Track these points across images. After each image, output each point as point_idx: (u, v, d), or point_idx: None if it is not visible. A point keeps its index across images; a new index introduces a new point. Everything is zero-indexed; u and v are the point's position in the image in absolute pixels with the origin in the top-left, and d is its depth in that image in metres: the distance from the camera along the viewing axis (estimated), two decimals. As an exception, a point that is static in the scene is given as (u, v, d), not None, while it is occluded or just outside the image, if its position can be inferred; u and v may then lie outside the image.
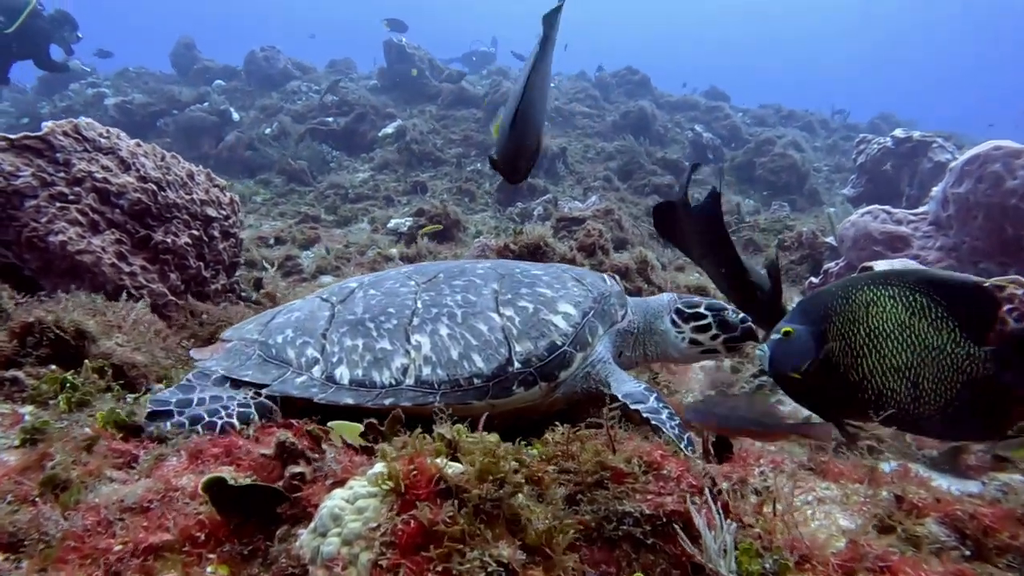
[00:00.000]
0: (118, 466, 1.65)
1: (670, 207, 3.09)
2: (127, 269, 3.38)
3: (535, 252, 4.93)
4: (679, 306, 2.59)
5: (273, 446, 1.63)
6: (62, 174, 3.28)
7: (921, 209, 4.62)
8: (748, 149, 12.97)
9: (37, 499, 1.40)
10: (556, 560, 1.36)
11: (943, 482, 2.44)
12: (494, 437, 1.62)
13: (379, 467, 1.31)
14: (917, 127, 11.68)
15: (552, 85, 16.44)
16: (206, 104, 13.02)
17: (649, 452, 1.75)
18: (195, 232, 3.83)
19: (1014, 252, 3.97)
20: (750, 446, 2.36)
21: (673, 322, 2.58)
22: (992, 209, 3.96)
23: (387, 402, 2.10)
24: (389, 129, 12.41)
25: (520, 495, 1.40)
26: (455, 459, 1.43)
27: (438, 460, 1.34)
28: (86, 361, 2.27)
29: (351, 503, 1.29)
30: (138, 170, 3.57)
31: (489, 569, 1.21)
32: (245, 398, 2.10)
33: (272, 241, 6.93)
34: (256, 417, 2.05)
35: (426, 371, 2.16)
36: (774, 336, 2.34)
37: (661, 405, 2.18)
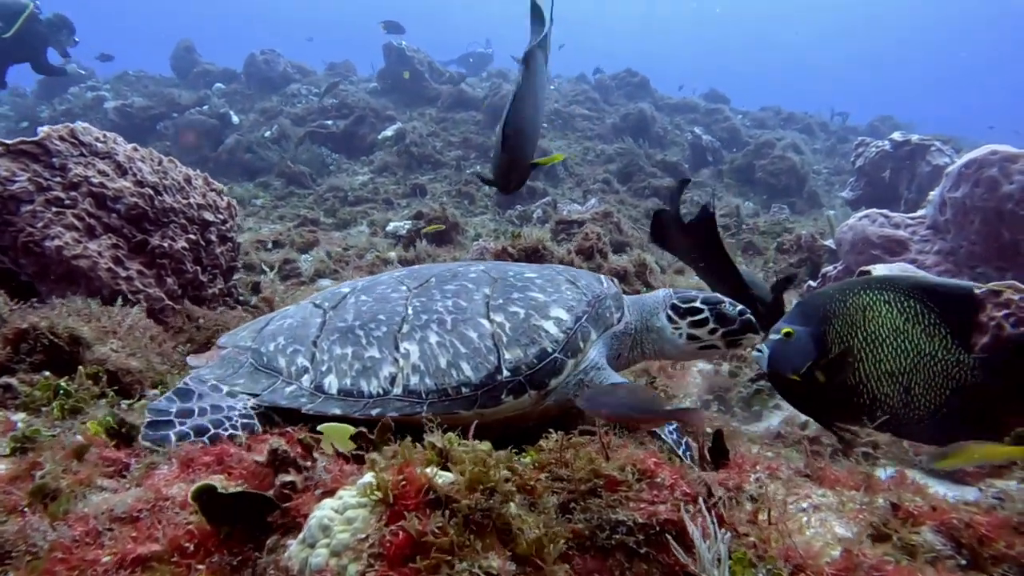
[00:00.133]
0: (109, 475, 1.64)
1: (666, 221, 3.11)
2: (124, 274, 3.38)
3: (533, 255, 4.93)
4: (675, 301, 2.53)
5: (266, 453, 1.63)
6: (58, 179, 3.28)
7: (919, 213, 4.62)
8: (748, 151, 12.97)
9: (26, 509, 1.39)
10: (547, 571, 1.35)
11: (940, 489, 2.43)
12: (486, 446, 1.61)
13: (368, 477, 1.30)
14: (916, 130, 11.69)
15: (552, 87, 16.48)
16: (206, 107, 13.04)
17: (643, 460, 1.74)
18: (192, 236, 3.83)
19: (1011, 257, 3.97)
20: (746, 452, 2.36)
21: (669, 318, 2.51)
22: (989, 213, 3.96)
23: (374, 412, 2.07)
24: (389, 132, 12.42)
25: (511, 504, 1.39)
26: (446, 468, 1.43)
27: (428, 470, 1.33)
28: (80, 367, 2.27)
29: (340, 513, 1.28)
30: (135, 174, 3.57)
31: (478, 580, 1.20)
32: (245, 407, 2.09)
33: (270, 245, 6.92)
34: (259, 428, 2.04)
35: (414, 380, 2.13)
36: (773, 336, 2.32)
37: None
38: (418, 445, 1.55)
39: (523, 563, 1.33)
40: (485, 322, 2.24)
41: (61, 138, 3.35)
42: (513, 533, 1.37)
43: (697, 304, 2.48)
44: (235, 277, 4.57)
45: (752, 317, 2.46)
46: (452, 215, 7.54)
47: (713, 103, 17.18)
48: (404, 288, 2.42)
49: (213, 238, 4.03)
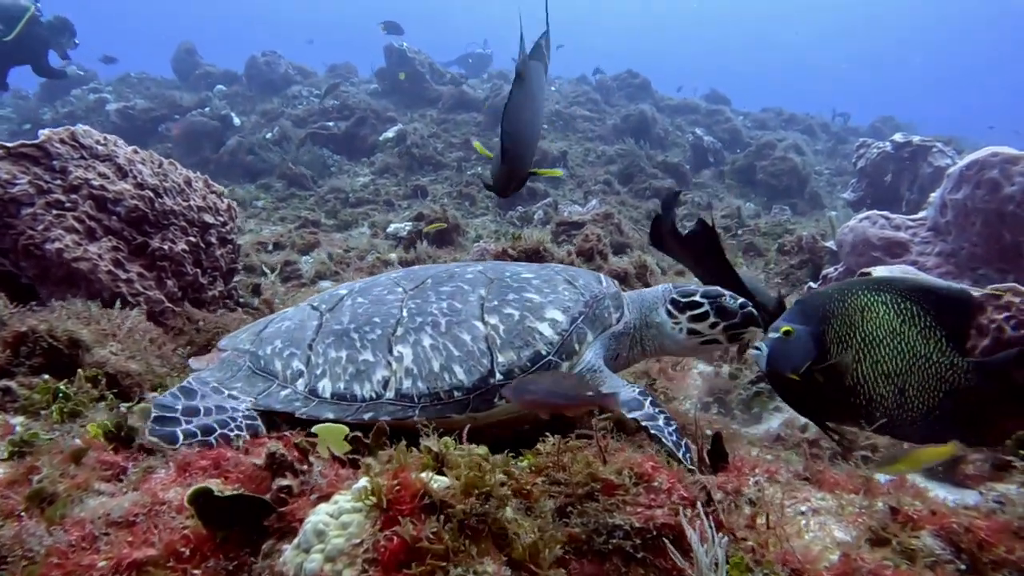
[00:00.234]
0: (106, 479, 1.64)
1: (663, 231, 3.11)
2: (124, 276, 3.38)
3: (533, 257, 4.93)
4: (674, 296, 2.47)
5: (264, 457, 1.63)
6: (59, 181, 3.29)
7: (920, 215, 4.61)
8: (749, 152, 12.96)
9: (23, 514, 1.39)
10: (542, 575, 1.35)
11: (941, 492, 2.42)
12: (482, 450, 1.61)
13: (363, 482, 1.30)
14: (917, 130, 11.67)
15: (553, 89, 16.49)
16: (207, 109, 13.06)
17: (640, 463, 1.73)
18: (192, 239, 3.83)
19: (1012, 259, 3.96)
20: (746, 455, 2.36)
21: (669, 313, 2.46)
22: (990, 215, 3.95)
23: (367, 416, 2.07)
24: (390, 133, 12.43)
25: (507, 509, 1.39)
26: (441, 473, 1.42)
27: (423, 474, 1.33)
28: (79, 370, 2.27)
29: (335, 518, 1.28)
30: (135, 177, 3.58)
31: (474, 586, 1.20)
32: (248, 410, 2.09)
33: (271, 247, 6.93)
34: (263, 429, 2.05)
35: (407, 384, 2.11)
36: (772, 335, 2.29)
37: (657, 410, 2.11)
38: (414, 449, 1.55)
39: (519, 568, 1.33)
40: (479, 324, 2.21)
41: (62, 141, 3.36)
42: (509, 538, 1.37)
43: (697, 298, 2.43)
44: (235, 279, 4.57)
45: (754, 310, 2.42)
46: (453, 216, 7.54)
47: (714, 104, 17.17)
48: (400, 290, 2.41)
49: (213, 240, 4.04)
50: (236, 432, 1.97)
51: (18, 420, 1.96)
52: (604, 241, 5.81)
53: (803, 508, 2.05)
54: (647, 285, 5.17)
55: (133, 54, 17.74)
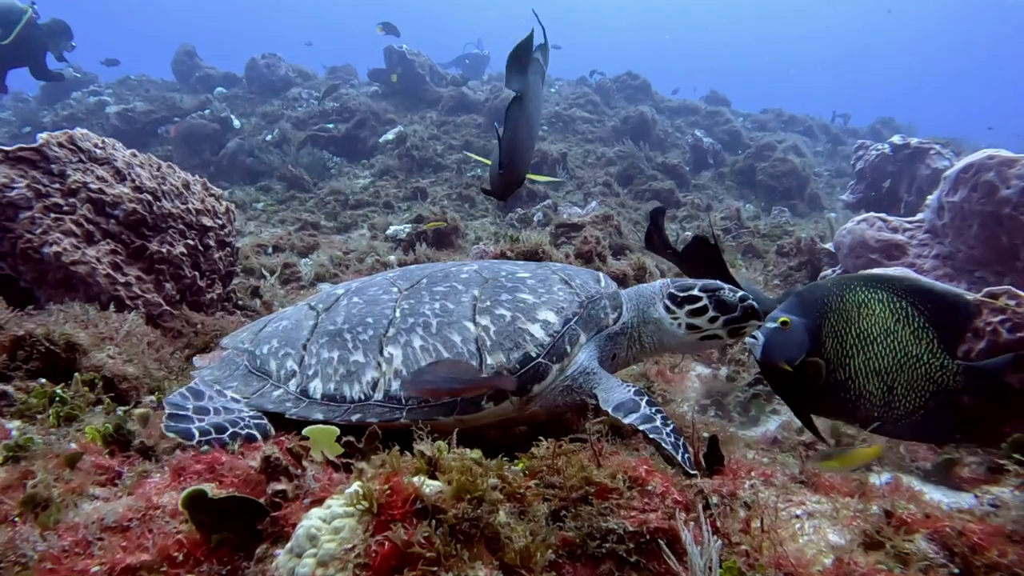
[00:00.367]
0: (101, 483, 1.65)
1: (657, 244, 3.13)
2: (122, 279, 3.39)
3: (531, 259, 4.93)
4: (672, 290, 2.40)
5: (259, 460, 1.63)
6: (57, 185, 3.30)
7: (917, 217, 4.61)
8: (749, 154, 12.95)
9: (16, 519, 1.39)
10: (535, 579, 1.35)
11: (936, 495, 2.43)
12: (476, 453, 1.61)
13: (355, 486, 1.31)
14: (917, 131, 11.67)
15: (552, 90, 16.51)
16: (207, 111, 13.07)
17: (634, 467, 1.74)
18: (191, 242, 3.84)
19: (1009, 261, 3.95)
20: (742, 457, 2.36)
21: (667, 308, 2.39)
22: (987, 218, 3.95)
23: (354, 418, 2.07)
24: (390, 135, 12.44)
25: (500, 513, 1.39)
26: (434, 477, 1.43)
27: (415, 479, 1.34)
28: (76, 374, 2.28)
29: (328, 523, 1.28)
30: (133, 180, 3.59)
31: (465, 591, 1.20)
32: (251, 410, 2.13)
33: (270, 249, 6.94)
34: (272, 430, 2.07)
35: (395, 385, 2.10)
36: (770, 324, 2.28)
37: (654, 410, 2.07)
38: (408, 453, 1.56)
39: (511, 572, 1.34)
40: (470, 325, 2.19)
41: (60, 144, 3.37)
42: (501, 542, 1.37)
43: (695, 291, 2.36)
44: (234, 282, 4.58)
45: (755, 303, 2.35)
46: (452, 218, 7.54)
47: (714, 105, 17.16)
48: (395, 290, 2.40)
49: (211, 243, 4.04)
50: (247, 431, 2.00)
51: (14, 424, 1.96)
52: (603, 243, 5.81)
53: (798, 511, 2.06)
54: (646, 287, 5.17)
55: (133, 56, 17.73)
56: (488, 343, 2.14)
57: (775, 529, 1.73)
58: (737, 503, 1.91)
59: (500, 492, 1.47)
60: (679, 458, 1.94)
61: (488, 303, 2.26)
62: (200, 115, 12.78)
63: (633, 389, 2.16)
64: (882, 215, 4.65)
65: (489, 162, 3.30)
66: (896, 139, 8.62)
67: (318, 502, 1.39)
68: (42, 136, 3.33)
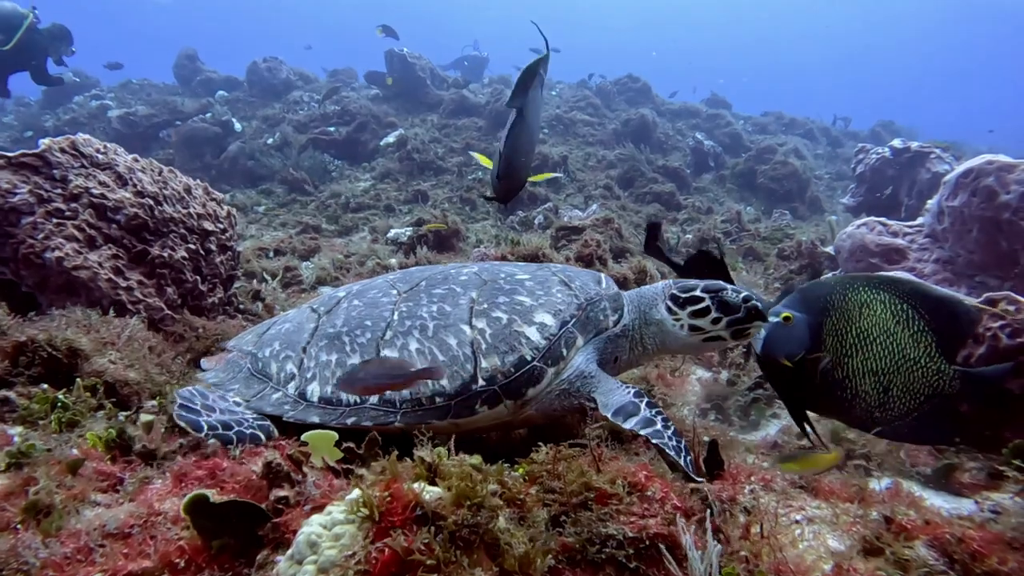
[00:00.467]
0: (103, 489, 1.65)
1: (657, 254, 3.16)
2: (124, 284, 3.40)
3: (533, 262, 4.94)
4: (674, 291, 2.35)
5: (260, 466, 1.64)
6: (59, 190, 3.31)
7: (917, 221, 4.61)
8: (749, 157, 12.97)
9: (19, 526, 1.40)
10: (535, 586, 1.36)
11: (936, 501, 2.43)
12: (476, 459, 1.62)
13: (356, 493, 1.31)
14: (918, 135, 11.66)
15: (553, 93, 16.54)
16: (208, 115, 13.11)
17: (634, 472, 1.74)
18: (192, 246, 3.85)
19: (1009, 266, 3.96)
20: (742, 462, 2.36)
21: (669, 309, 2.34)
22: (986, 223, 3.95)
23: (349, 421, 2.07)
24: (390, 138, 12.46)
25: (499, 519, 1.39)
26: (434, 483, 1.43)
27: (415, 485, 1.34)
28: (78, 380, 2.28)
29: (328, 529, 1.29)
30: (135, 185, 3.60)
31: (465, 598, 1.21)
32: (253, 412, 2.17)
33: (271, 253, 6.95)
34: (275, 431, 2.09)
35: None
36: (772, 319, 2.27)
37: (654, 412, 2.04)
38: (408, 459, 1.56)
39: (511, 579, 1.34)
40: (466, 328, 2.17)
41: (62, 150, 3.38)
42: (501, 548, 1.37)
43: (698, 292, 2.31)
44: (235, 286, 4.59)
45: (759, 303, 2.29)
46: (453, 221, 7.55)
47: (714, 108, 17.18)
48: (395, 292, 2.40)
49: (213, 247, 4.05)
50: (251, 431, 2.03)
51: (16, 430, 1.97)
52: (604, 247, 5.82)
53: (798, 517, 2.06)
54: (646, 291, 5.17)
55: (135, 60, 17.75)
56: (483, 346, 2.13)
57: (775, 535, 1.73)
58: (737, 508, 1.91)
59: (500, 498, 1.48)
60: (682, 462, 1.92)
61: (485, 306, 2.24)
62: (201, 118, 12.82)
63: (633, 391, 2.13)
64: (882, 219, 4.65)
65: (491, 164, 3.46)
66: (896, 143, 8.62)
67: (319, 508, 1.39)
68: (44, 142, 3.35)
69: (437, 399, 2.07)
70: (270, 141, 12.30)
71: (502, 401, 2.08)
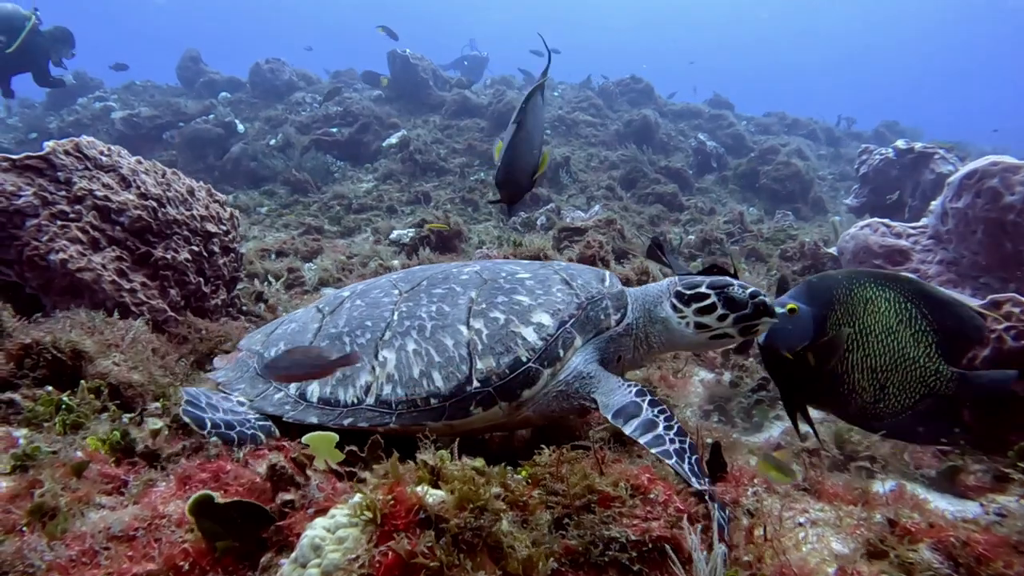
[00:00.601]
0: (108, 492, 1.66)
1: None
2: (127, 286, 3.41)
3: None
4: (679, 288, 2.29)
5: (265, 468, 1.64)
6: (63, 193, 3.32)
7: (921, 222, 4.60)
8: (752, 157, 12.94)
9: (24, 528, 1.41)
10: (538, 589, 1.36)
11: (941, 503, 2.42)
12: (479, 462, 1.62)
13: (359, 496, 1.31)
14: (921, 135, 11.63)
15: (555, 94, 16.53)
16: (211, 116, 13.14)
17: (636, 475, 1.74)
18: (195, 248, 3.86)
19: (1013, 267, 3.94)
20: (745, 464, 2.36)
21: (674, 306, 2.28)
22: (991, 224, 3.94)
23: (346, 422, 2.07)
24: (393, 139, 12.47)
25: (502, 522, 1.40)
26: (437, 486, 1.43)
27: (418, 488, 1.34)
28: (82, 382, 2.29)
29: (332, 533, 1.29)
30: (139, 187, 3.61)
31: (468, 601, 1.21)
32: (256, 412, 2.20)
33: (274, 255, 6.96)
34: (276, 431, 2.12)
35: (387, 390, 2.09)
36: (777, 309, 2.24)
37: (656, 412, 1.98)
38: (411, 461, 1.56)
39: (514, 582, 1.34)
40: (464, 329, 2.15)
41: (66, 152, 3.40)
42: (504, 551, 1.37)
43: (703, 288, 2.25)
44: (238, 287, 4.60)
45: (767, 299, 2.22)
46: (455, 223, 7.55)
47: (717, 109, 17.16)
48: (396, 292, 2.39)
49: (216, 249, 4.06)
50: (252, 431, 2.05)
51: (21, 432, 1.98)
52: (606, 248, 5.81)
53: (801, 519, 2.06)
54: (648, 292, 5.16)
55: (138, 62, 17.79)
56: (479, 347, 2.11)
57: (778, 537, 1.73)
58: (740, 511, 1.91)
59: (503, 501, 1.48)
60: (685, 469, 1.83)
61: (484, 305, 2.21)
62: (204, 120, 12.85)
63: (634, 390, 2.07)
64: (886, 220, 4.64)
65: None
66: (900, 143, 8.60)
67: (322, 512, 1.40)
68: (49, 144, 3.36)
69: (432, 400, 2.06)
70: (273, 142, 12.32)
71: (497, 403, 2.06)
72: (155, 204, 3.63)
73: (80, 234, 3.29)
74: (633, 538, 1.56)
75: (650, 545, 1.56)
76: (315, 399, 2.16)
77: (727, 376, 4.08)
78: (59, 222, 3.25)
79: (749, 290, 2.22)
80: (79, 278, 3.21)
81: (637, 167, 11.65)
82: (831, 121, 19.19)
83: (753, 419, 3.63)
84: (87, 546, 1.36)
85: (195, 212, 3.92)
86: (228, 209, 4.29)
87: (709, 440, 2.38)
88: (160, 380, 2.70)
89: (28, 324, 2.71)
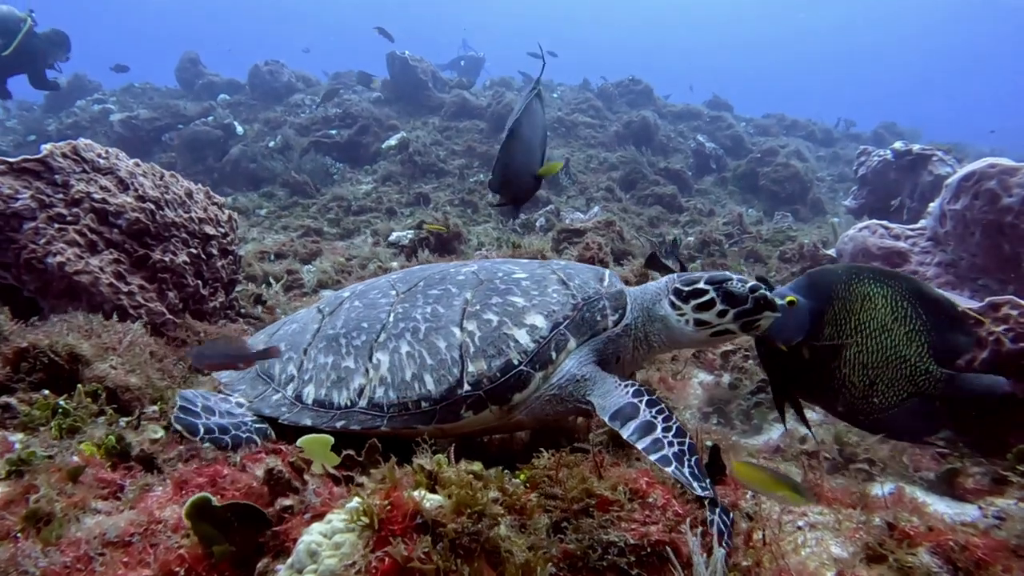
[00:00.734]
0: (104, 497, 1.65)
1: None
2: (125, 289, 3.40)
3: (534, 265, 4.93)
4: (677, 285, 2.23)
5: (262, 472, 1.64)
6: (60, 195, 3.31)
7: (919, 224, 4.60)
8: (751, 159, 12.95)
9: (19, 535, 1.40)
10: (536, 595, 1.35)
11: (940, 507, 2.42)
12: (477, 466, 1.61)
13: (356, 501, 1.31)
14: (920, 136, 11.63)
15: (555, 96, 16.54)
16: (211, 118, 13.13)
17: (635, 479, 1.73)
18: (193, 250, 3.85)
19: (1012, 269, 3.95)
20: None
21: (672, 304, 2.22)
22: (989, 226, 3.94)
23: (339, 425, 2.06)
24: (392, 141, 12.46)
25: (500, 527, 1.39)
26: (435, 490, 1.43)
27: (415, 493, 1.34)
28: (79, 385, 2.28)
29: (328, 538, 1.28)
30: (136, 190, 3.60)
31: (465, 607, 1.20)
32: (254, 413, 2.20)
33: (272, 257, 6.96)
34: (272, 434, 2.11)
35: (379, 393, 2.08)
36: (777, 300, 2.21)
37: (654, 413, 1.92)
38: (408, 467, 1.56)
39: (511, 587, 1.33)
40: (457, 331, 2.12)
41: (64, 155, 3.39)
42: (502, 556, 1.37)
43: (701, 284, 2.19)
44: (237, 290, 4.59)
45: (768, 293, 2.16)
46: (455, 224, 7.54)
47: (716, 110, 17.18)
48: (393, 293, 2.37)
49: (214, 251, 4.06)
50: (247, 434, 2.04)
51: (17, 437, 1.97)
52: (605, 249, 5.81)
53: (800, 523, 2.05)
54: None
55: (137, 64, 17.80)
56: (471, 349, 2.07)
57: (777, 541, 1.72)
58: (739, 514, 1.90)
59: (501, 505, 1.47)
60: (684, 474, 1.77)
61: (478, 307, 2.18)
62: (203, 122, 12.84)
63: (632, 390, 2.01)
64: (884, 222, 4.64)
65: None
66: (898, 145, 8.60)
67: (319, 517, 1.39)
68: (46, 147, 3.36)
69: (423, 404, 2.04)
70: (272, 144, 12.32)
71: (487, 407, 2.03)
72: (153, 206, 3.62)
73: (78, 237, 3.28)
74: (631, 542, 1.55)
75: (648, 549, 1.55)
76: (310, 401, 2.16)
77: (726, 378, 4.07)
78: (56, 225, 3.24)
79: (749, 284, 2.16)
80: (77, 281, 3.21)
81: (636, 168, 11.65)
82: (830, 122, 19.22)
83: (752, 421, 3.62)
84: (82, 552, 1.35)
85: (193, 214, 3.92)
86: (226, 211, 4.28)
87: (709, 443, 2.37)
88: (158, 383, 2.69)
89: (25, 327, 2.70)
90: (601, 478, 1.73)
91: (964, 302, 2.90)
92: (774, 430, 3.56)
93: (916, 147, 8.29)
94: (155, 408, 2.53)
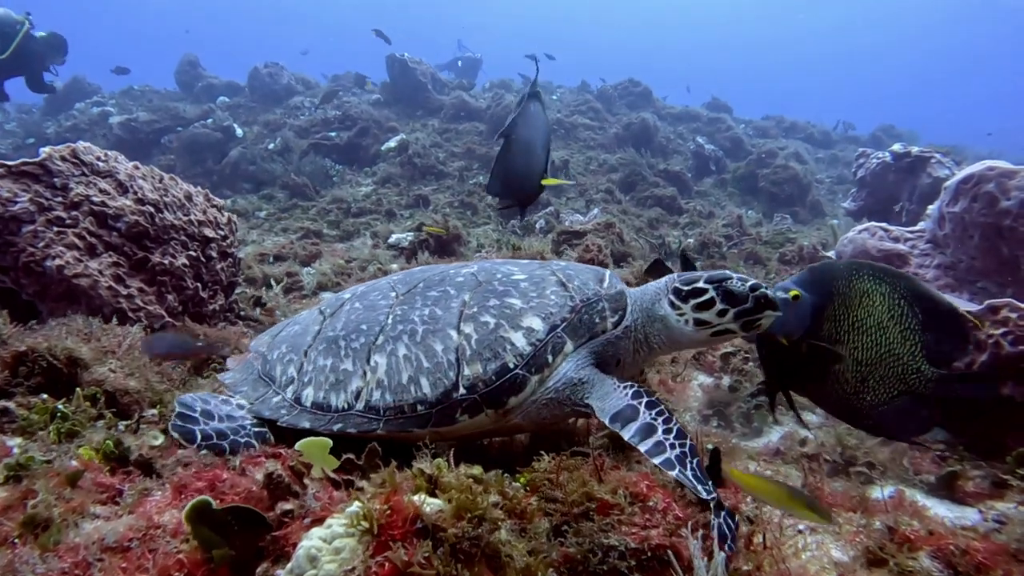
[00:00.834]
0: (102, 501, 1.65)
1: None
2: (124, 292, 3.40)
3: (534, 266, 4.93)
4: (676, 284, 2.21)
5: (262, 476, 1.63)
6: (60, 198, 3.31)
7: (918, 226, 4.60)
8: (750, 160, 12.96)
9: (16, 540, 1.39)
10: (536, 599, 1.35)
11: (940, 510, 2.41)
12: (477, 470, 1.61)
13: (355, 506, 1.30)
14: (918, 138, 11.65)
15: (554, 98, 16.56)
16: (210, 120, 13.13)
17: (635, 483, 1.73)
18: (193, 253, 3.85)
19: (1011, 272, 3.95)
20: (745, 470, 2.35)
21: (672, 304, 2.19)
22: (988, 229, 3.94)
23: (335, 428, 2.05)
24: (392, 143, 12.47)
25: (500, 531, 1.39)
26: (435, 495, 1.42)
27: (415, 498, 1.33)
28: (78, 389, 2.28)
29: (328, 543, 1.28)
30: (136, 192, 3.60)
31: (466, 613, 1.20)
32: (254, 416, 2.20)
33: (272, 259, 6.95)
34: (272, 437, 2.11)
35: (376, 396, 2.07)
36: (780, 294, 2.20)
37: (655, 414, 1.90)
38: (408, 470, 1.55)
39: (512, 593, 1.33)
40: (453, 333, 2.11)
41: (63, 158, 3.39)
42: (502, 560, 1.36)
43: (700, 284, 2.16)
44: (236, 292, 4.59)
45: (768, 292, 2.13)
46: (454, 226, 7.54)
47: (715, 112, 17.20)
48: (393, 295, 2.36)
49: (214, 254, 4.05)
50: (246, 439, 2.04)
51: (15, 441, 1.96)
52: (605, 251, 5.82)
53: (801, 526, 2.05)
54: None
55: (136, 67, 17.82)
56: (467, 353, 2.06)
57: (778, 545, 1.72)
58: (739, 517, 1.90)
59: (501, 509, 1.47)
60: (688, 477, 1.76)
61: (475, 309, 2.16)
62: (203, 124, 12.84)
63: (631, 391, 1.99)
64: (883, 224, 4.65)
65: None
66: (897, 147, 8.61)
67: (319, 521, 1.39)
68: (45, 150, 3.36)
69: (419, 407, 2.03)
70: (271, 146, 12.32)
71: (483, 410, 2.01)
72: (152, 209, 3.62)
73: (77, 240, 3.28)
74: (632, 546, 1.55)
75: (649, 553, 1.55)
76: (309, 403, 2.15)
77: (726, 380, 4.07)
78: (55, 228, 3.24)
79: (749, 283, 2.13)
80: (75, 284, 3.21)
81: (636, 170, 11.67)
82: (829, 124, 19.25)
83: (752, 424, 3.62)
84: (80, 558, 1.35)
85: (193, 217, 3.92)
86: (226, 214, 4.28)
87: (709, 446, 2.37)
88: (157, 387, 2.69)
89: (24, 331, 2.70)
90: (601, 481, 1.72)
91: (963, 304, 2.90)
92: (774, 433, 3.56)
93: (915, 149, 8.31)
94: (154, 411, 2.53)
